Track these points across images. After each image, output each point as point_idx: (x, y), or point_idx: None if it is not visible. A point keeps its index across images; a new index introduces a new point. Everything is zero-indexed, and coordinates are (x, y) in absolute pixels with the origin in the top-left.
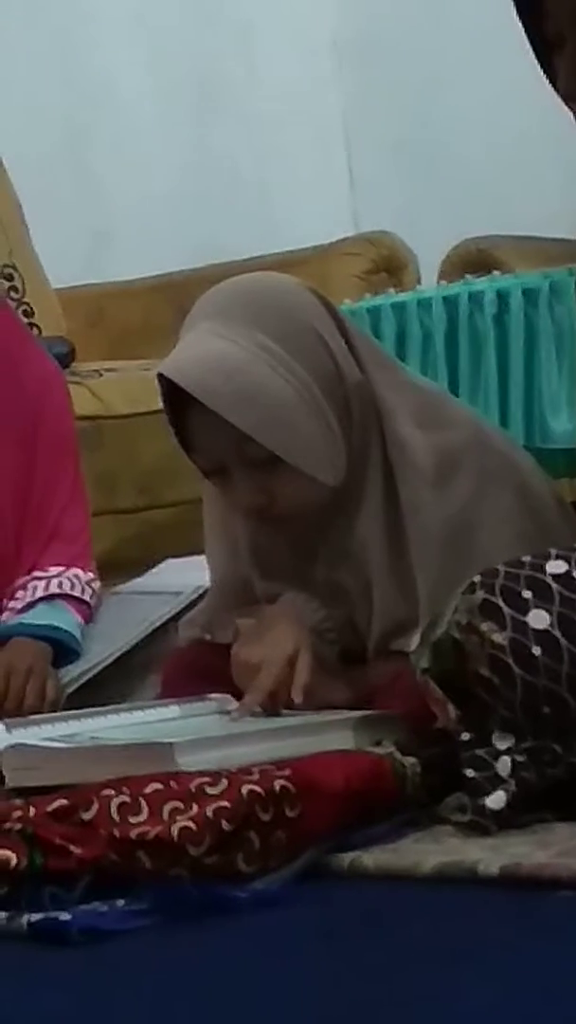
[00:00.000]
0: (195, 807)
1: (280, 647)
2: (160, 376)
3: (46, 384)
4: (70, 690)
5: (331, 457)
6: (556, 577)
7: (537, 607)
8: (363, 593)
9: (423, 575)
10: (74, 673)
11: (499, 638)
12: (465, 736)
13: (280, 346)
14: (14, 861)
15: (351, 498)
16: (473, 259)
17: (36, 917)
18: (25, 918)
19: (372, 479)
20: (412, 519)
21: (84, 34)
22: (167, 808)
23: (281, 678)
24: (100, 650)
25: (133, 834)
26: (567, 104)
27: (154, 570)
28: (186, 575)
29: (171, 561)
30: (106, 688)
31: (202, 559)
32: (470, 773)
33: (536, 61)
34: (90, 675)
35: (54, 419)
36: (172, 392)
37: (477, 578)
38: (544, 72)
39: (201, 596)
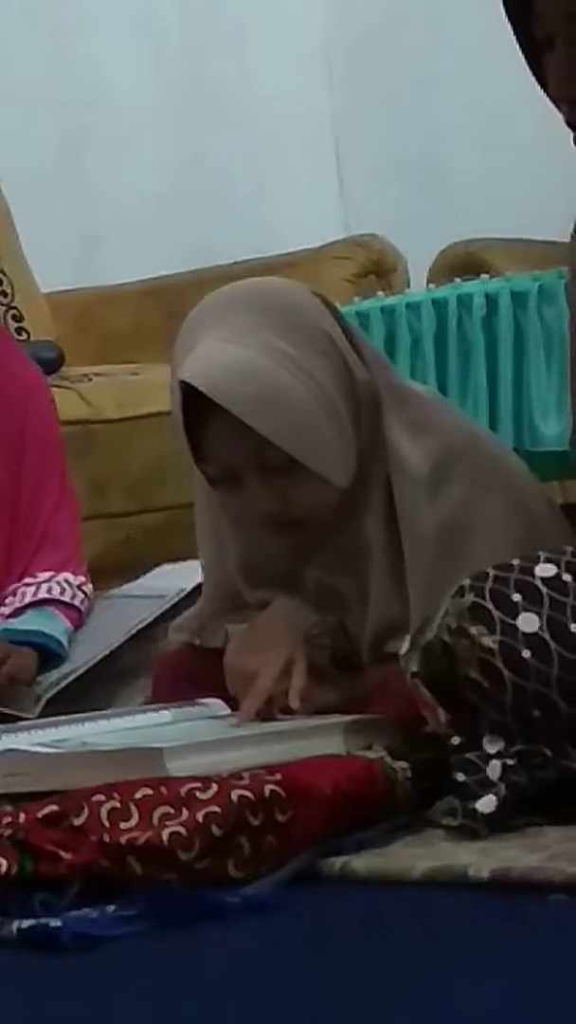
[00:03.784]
0: (185, 812)
1: (275, 654)
2: (176, 384)
3: (29, 390)
4: (51, 694)
5: (344, 459)
6: (545, 580)
7: (527, 610)
8: (359, 597)
9: (415, 579)
10: (54, 677)
11: (489, 641)
12: (455, 740)
13: (294, 349)
14: (4, 867)
15: (358, 499)
16: (462, 262)
17: (26, 923)
18: (15, 924)
19: (377, 480)
20: (406, 523)
21: (79, 37)
22: (157, 813)
23: (278, 685)
24: (84, 653)
25: (123, 839)
26: (557, 106)
27: (149, 574)
28: (178, 579)
29: (166, 566)
30: (93, 692)
31: (197, 564)
32: (460, 777)
33: (525, 64)
34: (71, 679)
35: (39, 424)
36: (184, 401)
37: (466, 581)
38: (533, 74)
39: (185, 599)
